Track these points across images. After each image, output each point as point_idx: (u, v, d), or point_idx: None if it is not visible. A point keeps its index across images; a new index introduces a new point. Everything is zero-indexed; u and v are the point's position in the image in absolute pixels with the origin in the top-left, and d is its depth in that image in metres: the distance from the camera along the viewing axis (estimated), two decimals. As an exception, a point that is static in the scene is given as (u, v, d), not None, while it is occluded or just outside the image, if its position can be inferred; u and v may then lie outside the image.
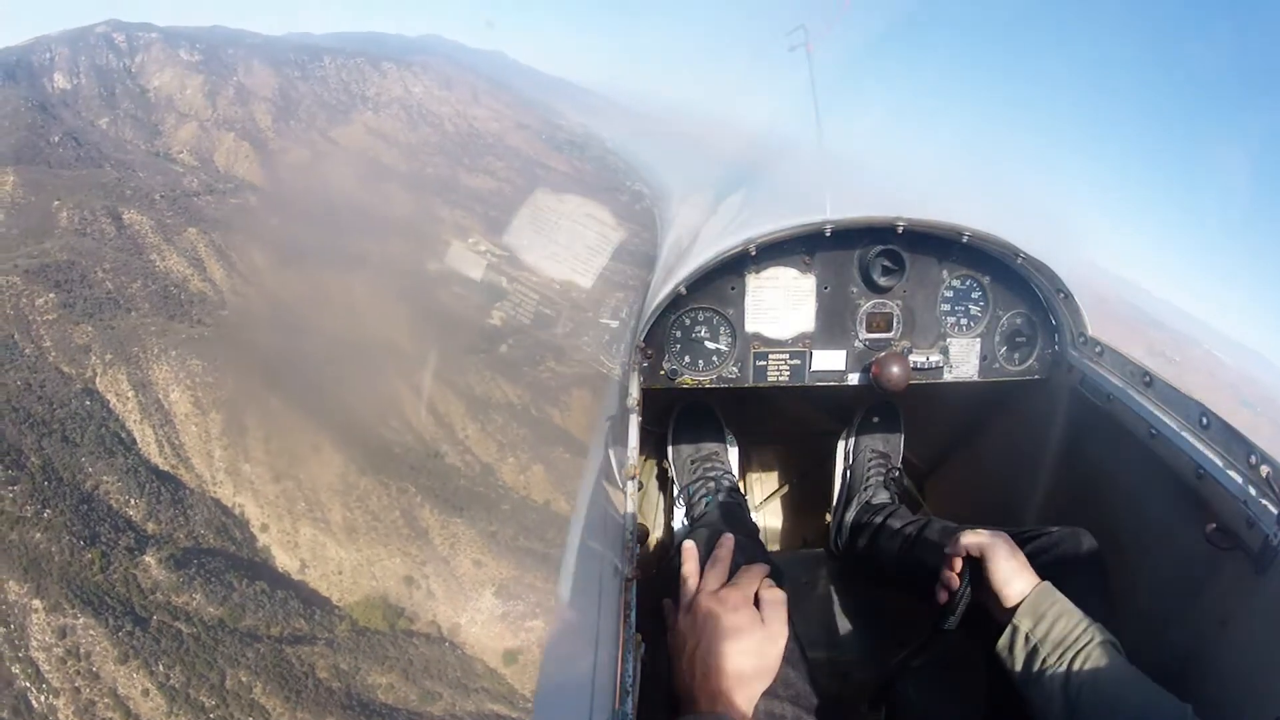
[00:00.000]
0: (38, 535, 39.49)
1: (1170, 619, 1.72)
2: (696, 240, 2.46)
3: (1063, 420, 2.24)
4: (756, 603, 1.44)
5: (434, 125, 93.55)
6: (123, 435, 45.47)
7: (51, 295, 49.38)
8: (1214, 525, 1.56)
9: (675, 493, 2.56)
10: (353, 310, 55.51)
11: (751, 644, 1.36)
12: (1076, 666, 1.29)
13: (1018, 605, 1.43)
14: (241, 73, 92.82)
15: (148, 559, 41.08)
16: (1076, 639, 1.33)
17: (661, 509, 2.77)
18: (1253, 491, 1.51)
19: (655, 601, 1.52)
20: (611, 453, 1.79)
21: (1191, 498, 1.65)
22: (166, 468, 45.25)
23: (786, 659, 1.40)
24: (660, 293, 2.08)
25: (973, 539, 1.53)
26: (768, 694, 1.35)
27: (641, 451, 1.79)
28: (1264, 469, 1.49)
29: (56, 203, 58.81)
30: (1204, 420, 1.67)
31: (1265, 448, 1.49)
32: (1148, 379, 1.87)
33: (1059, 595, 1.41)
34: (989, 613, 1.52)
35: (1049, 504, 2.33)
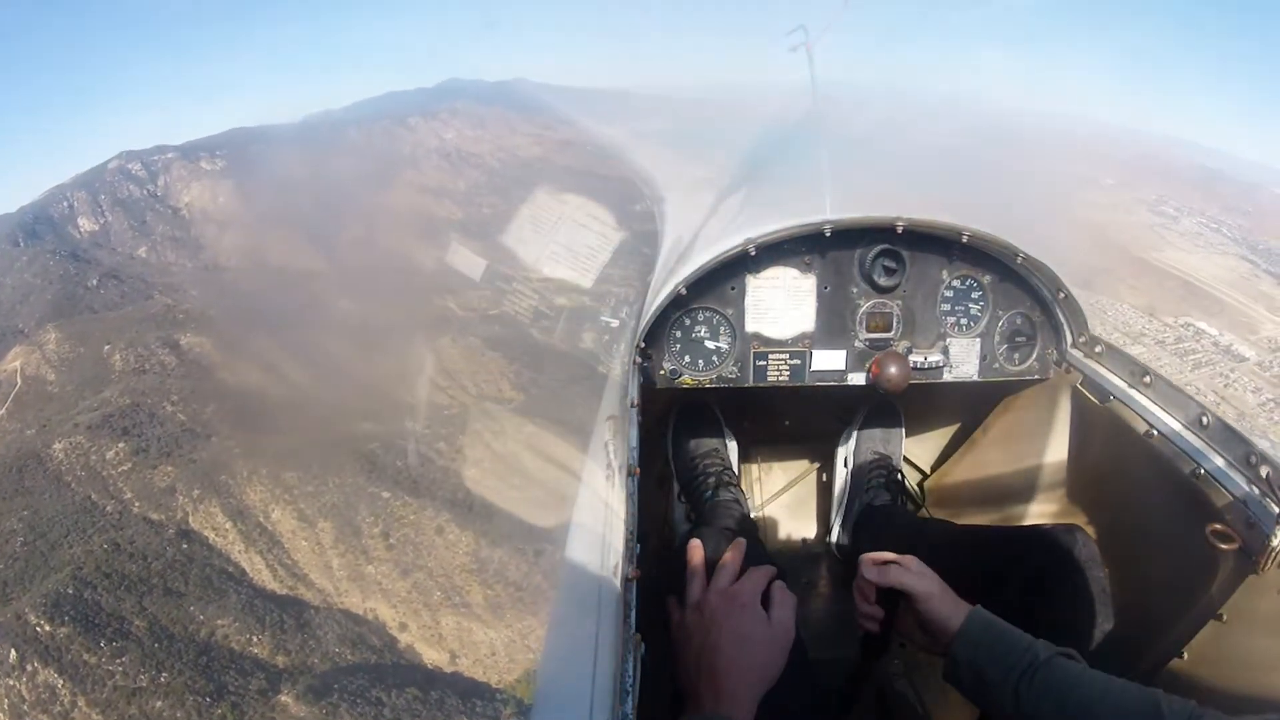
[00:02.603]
0: (159, 703, 33.77)
1: (1170, 618, 1.69)
2: (696, 240, 2.37)
3: (1063, 420, 2.21)
4: (765, 603, 1.42)
5: (478, 166, 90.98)
6: (230, 570, 40.87)
7: (121, 445, 45.29)
8: (1214, 525, 1.56)
9: (676, 492, 2.56)
10: (448, 374, 51.57)
11: (759, 644, 1.34)
12: (1025, 688, 1.25)
13: (953, 637, 1.36)
14: (271, 166, 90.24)
15: (284, 697, 36.07)
16: (1019, 659, 1.27)
17: (662, 508, 2.64)
18: (1253, 491, 1.51)
19: (655, 601, 1.50)
20: (611, 452, 1.73)
21: (1191, 498, 1.65)
22: (285, 591, 40.57)
23: (791, 659, 1.37)
24: (660, 293, 2.05)
25: (898, 575, 1.46)
26: (771, 694, 1.32)
27: (642, 451, 1.68)
28: (1264, 469, 1.49)
29: (107, 347, 54.71)
30: (1204, 420, 1.67)
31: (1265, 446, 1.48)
32: (1148, 378, 1.86)
33: (993, 620, 1.36)
34: (922, 646, 1.47)
35: (1049, 503, 2.28)
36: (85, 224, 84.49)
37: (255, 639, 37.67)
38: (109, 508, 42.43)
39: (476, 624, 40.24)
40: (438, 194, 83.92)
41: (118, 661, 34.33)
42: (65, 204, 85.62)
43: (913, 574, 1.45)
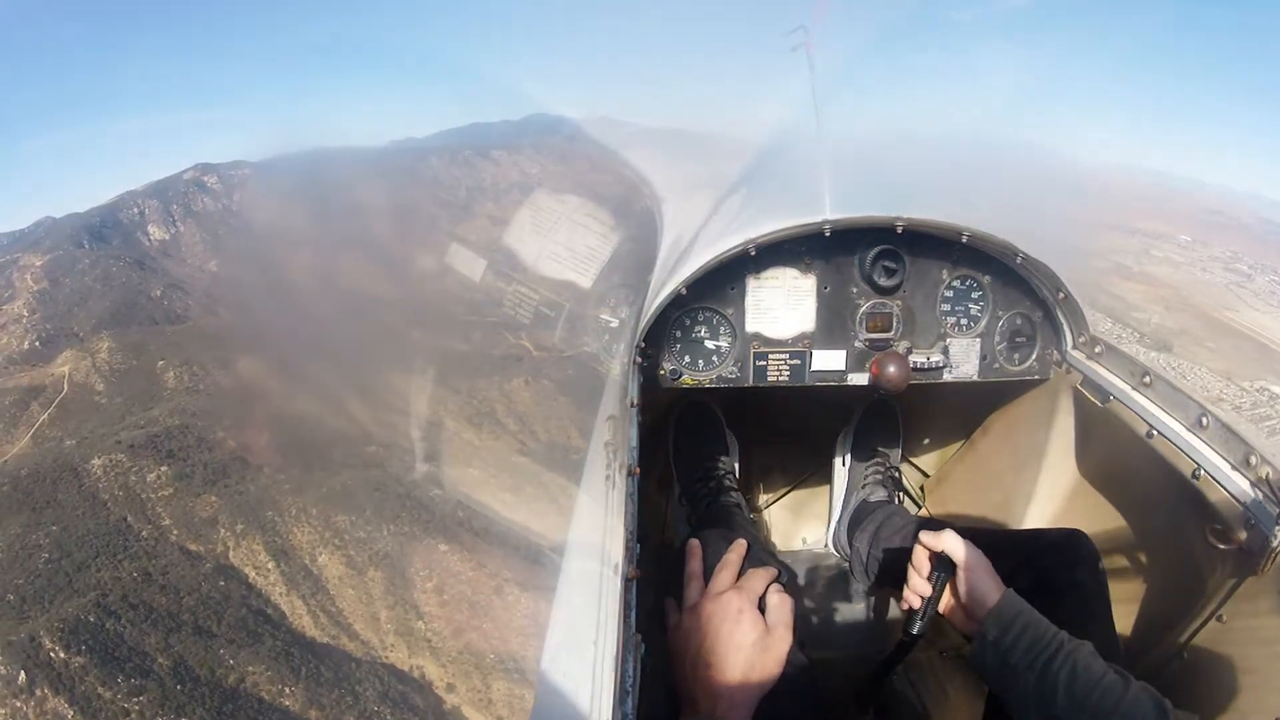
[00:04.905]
0: (175, 749, 31.89)
1: (1170, 619, 1.70)
2: (696, 240, 2.35)
3: (1063, 420, 2.22)
4: (762, 606, 1.43)
5: None
6: (268, 612, 38.14)
7: (164, 468, 42.79)
8: (1214, 525, 1.55)
9: (676, 492, 2.54)
10: (520, 418, 49.42)
11: (754, 647, 1.35)
12: (1049, 674, 1.27)
13: (987, 615, 1.42)
14: (349, 190, 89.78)
15: (313, 757, 33.95)
16: (1046, 645, 1.30)
17: (662, 508, 2.67)
18: (1253, 492, 1.50)
19: (655, 601, 1.56)
20: (612, 452, 1.70)
21: (1191, 498, 1.64)
22: (326, 640, 37.74)
23: (789, 662, 1.39)
24: (660, 293, 2.06)
25: (951, 541, 1.51)
26: (768, 696, 1.34)
27: (642, 451, 1.66)
28: (1264, 469, 1.48)
29: (161, 362, 53.32)
30: (1203, 420, 1.65)
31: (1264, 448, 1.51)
32: (1148, 379, 1.85)
33: (1025, 604, 1.40)
34: (958, 623, 1.52)
35: (1049, 504, 2.30)
36: (155, 232, 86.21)
37: (288, 689, 34.71)
38: (144, 533, 40.03)
39: (530, 691, 36.62)
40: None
41: (135, 700, 31.79)
42: (136, 210, 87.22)
43: (962, 543, 1.51)
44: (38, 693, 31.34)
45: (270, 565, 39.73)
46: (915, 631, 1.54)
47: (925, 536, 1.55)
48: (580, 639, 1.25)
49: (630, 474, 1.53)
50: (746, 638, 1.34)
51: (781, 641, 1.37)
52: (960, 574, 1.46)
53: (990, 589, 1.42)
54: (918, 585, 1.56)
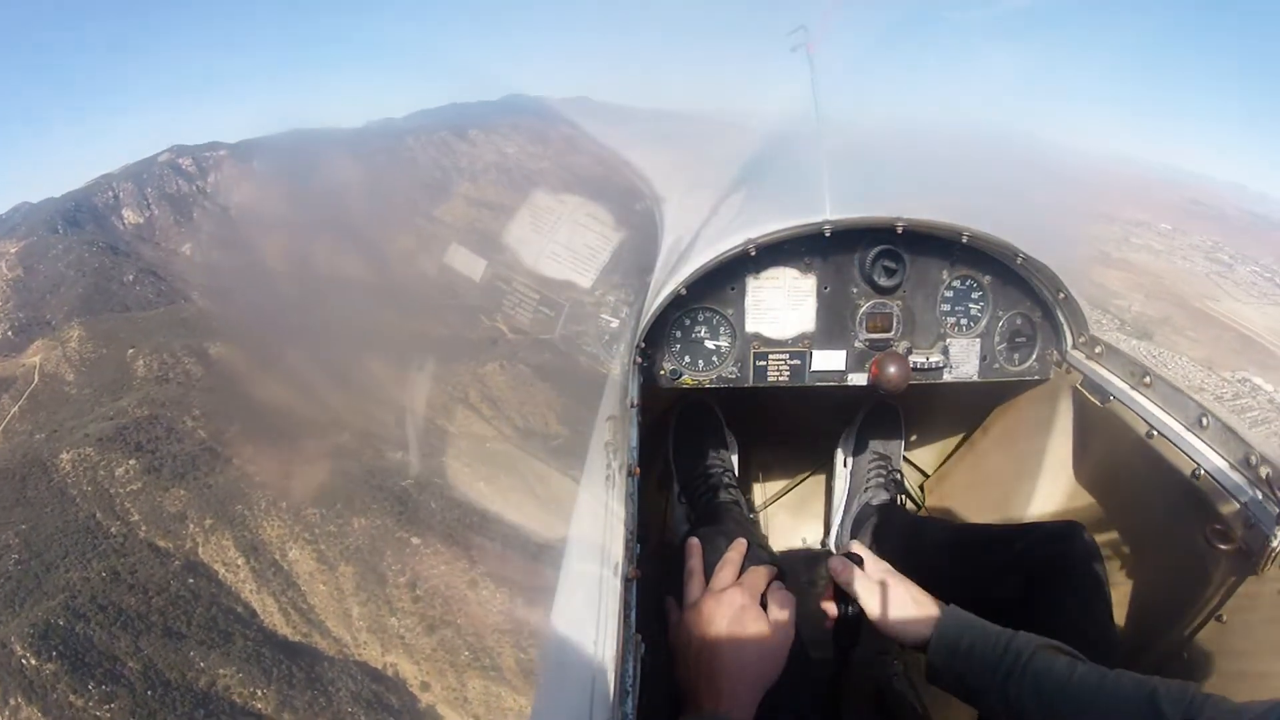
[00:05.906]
0: (146, 757, 31.60)
1: (1170, 618, 1.69)
2: (696, 240, 2.32)
3: (1063, 420, 2.23)
4: (764, 603, 1.43)
5: (536, 183, 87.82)
6: (239, 610, 36.76)
7: (133, 461, 41.43)
8: (1214, 525, 1.55)
9: (676, 492, 2.53)
10: (495, 403, 47.73)
11: (756, 644, 1.34)
12: (1011, 687, 1.23)
13: (928, 644, 1.37)
14: (325, 171, 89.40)
15: (287, 761, 33.24)
16: (1000, 661, 1.25)
17: (662, 508, 2.63)
18: (1252, 491, 1.50)
19: (655, 601, 1.55)
20: (611, 452, 1.71)
21: (1191, 498, 1.65)
22: (297, 638, 36.55)
23: (790, 658, 1.38)
24: (660, 293, 2.06)
25: (857, 585, 1.45)
26: (770, 694, 1.33)
27: (642, 451, 1.66)
28: (1264, 469, 1.48)
29: (131, 350, 51.65)
30: (1203, 420, 1.65)
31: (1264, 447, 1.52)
32: (1148, 379, 1.85)
33: (966, 620, 1.35)
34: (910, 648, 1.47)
35: (1049, 504, 2.31)
36: (130, 216, 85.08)
37: (260, 692, 33.60)
38: (113, 529, 38.83)
39: (506, 689, 36.13)
40: (494, 209, 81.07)
41: (106, 707, 31.02)
42: (110, 194, 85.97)
43: (869, 587, 1.45)
44: (11, 702, 30.79)
45: (240, 561, 38.51)
46: (844, 644, 1.52)
47: (835, 563, 1.49)
48: (580, 639, 1.25)
49: (630, 474, 1.52)
50: (749, 634, 1.32)
51: (784, 638, 1.36)
52: (880, 616, 1.40)
53: (917, 614, 1.37)
54: (826, 604, 1.54)
